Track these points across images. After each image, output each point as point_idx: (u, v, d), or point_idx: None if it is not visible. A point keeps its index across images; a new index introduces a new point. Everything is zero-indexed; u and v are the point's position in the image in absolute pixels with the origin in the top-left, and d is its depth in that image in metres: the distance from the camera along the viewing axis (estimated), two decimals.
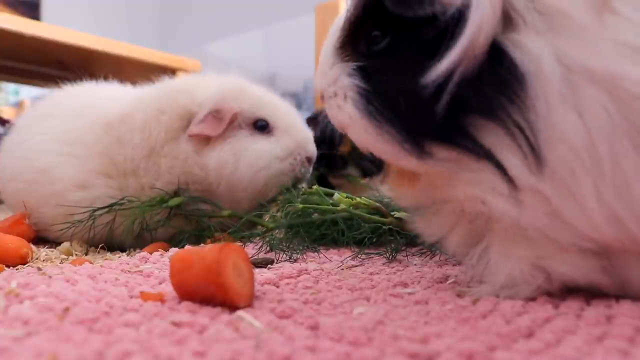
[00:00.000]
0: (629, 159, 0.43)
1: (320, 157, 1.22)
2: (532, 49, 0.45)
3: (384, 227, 0.87)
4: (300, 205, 0.90)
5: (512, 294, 0.55)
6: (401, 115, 0.50)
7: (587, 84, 0.44)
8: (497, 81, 0.46)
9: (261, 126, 1.07)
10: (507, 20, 0.47)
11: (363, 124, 0.53)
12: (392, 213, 0.84)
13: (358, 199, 0.84)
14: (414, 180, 0.58)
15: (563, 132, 0.44)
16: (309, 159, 1.12)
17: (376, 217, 0.85)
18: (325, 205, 0.88)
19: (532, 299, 0.56)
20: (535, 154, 0.45)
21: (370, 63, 0.55)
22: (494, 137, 0.48)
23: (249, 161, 1.03)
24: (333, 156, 1.34)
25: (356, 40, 0.58)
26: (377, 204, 0.84)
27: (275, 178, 1.06)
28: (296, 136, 1.10)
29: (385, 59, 0.54)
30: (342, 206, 0.84)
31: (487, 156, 0.48)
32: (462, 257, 0.60)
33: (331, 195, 1.04)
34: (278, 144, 1.07)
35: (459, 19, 0.46)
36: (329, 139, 1.35)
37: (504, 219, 0.50)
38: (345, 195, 0.88)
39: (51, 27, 1.94)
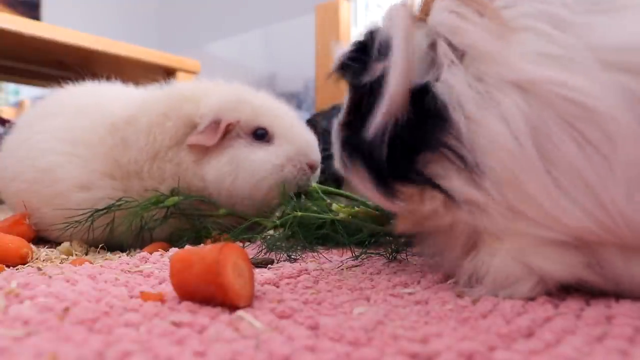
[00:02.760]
0: (556, 147, 0.48)
1: (324, 158, 1.21)
2: (448, 81, 0.53)
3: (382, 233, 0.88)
4: (299, 214, 0.90)
5: (509, 293, 0.56)
6: (368, 163, 0.58)
7: (503, 93, 0.50)
8: (427, 116, 0.54)
9: (260, 135, 1.05)
10: (433, 64, 0.56)
11: (349, 169, 0.63)
12: (392, 222, 0.84)
13: (357, 208, 0.85)
14: (407, 217, 0.64)
15: (493, 140, 0.50)
16: (311, 165, 1.08)
17: (375, 226, 0.85)
18: (324, 214, 0.88)
19: (532, 299, 0.56)
20: (473, 169, 0.52)
21: (351, 121, 0.63)
22: (438, 166, 0.55)
23: (248, 171, 1.01)
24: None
25: (349, 110, 0.66)
26: (376, 212, 0.84)
27: (277, 187, 1.03)
28: (296, 143, 1.07)
29: (356, 122, 0.61)
30: (342, 215, 0.84)
31: (432, 185, 0.55)
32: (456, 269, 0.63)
33: (331, 193, 1.04)
34: (277, 152, 1.04)
35: (382, 81, 0.55)
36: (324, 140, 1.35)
37: (468, 227, 0.56)
38: (343, 205, 0.88)
39: (51, 27, 1.94)
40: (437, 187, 0.55)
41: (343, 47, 0.65)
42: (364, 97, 0.59)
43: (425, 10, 0.59)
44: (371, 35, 0.59)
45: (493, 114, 0.50)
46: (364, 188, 0.62)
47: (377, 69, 0.56)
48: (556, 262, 0.52)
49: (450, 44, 0.54)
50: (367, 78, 0.58)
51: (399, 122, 0.54)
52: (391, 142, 0.55)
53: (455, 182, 0.54)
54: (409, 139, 0.55)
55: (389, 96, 0.53)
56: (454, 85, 0.52)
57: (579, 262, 0.52)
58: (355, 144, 0.60)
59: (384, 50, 0.56)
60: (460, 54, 0.54)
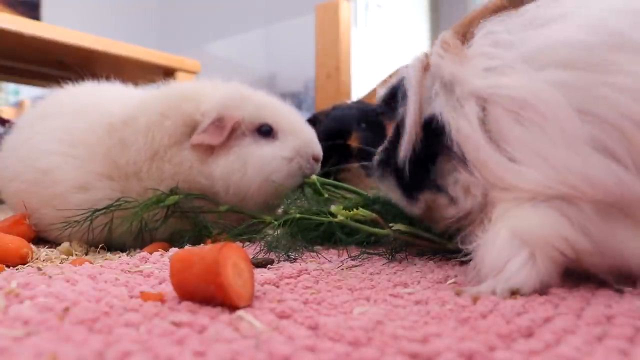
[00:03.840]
0: (506, 130, 0.61)
1: (325, 154, 1.23)
2: (438, 107, 0.70)
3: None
4: (298, 216, 0.90)
5: (506, 285, 0.57)
6: (397, 178, 0.77)
7: (466, 101, 0.66)
8: (435, 135, 0.70)
9: (265, 131, 1.07)
10: (429, 99, 0.72)
11: (386, 186, 0.81)
12: (390, 225, 0.84)
13: (355, 211, 0.85)
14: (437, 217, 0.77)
15: (463, 134, 0.66)
16: (315, 157, 1.13)
17: (374, 229, 0.85)
18: (323, 216, 0.89)
19: (532, 298, 0.56)
20: (461, 159, 0.66)
21: (390, 145, 0.80)
22: (445, 168, 0.70)
23: (257, 167, 1.03)
24: (338, 153, 1.36)
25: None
26: (375, 216, 0.85)
27: (285, 180, 1.06)
28: (301, 136, 1.11)
29: (390, 149, 0.79)
30: (340, 217, 0.85)
31: (437, 188, 0.72)
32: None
33: (331, 185, 1.04)
34: (284, 146, 1.07)
35: (402, 120, 0.73)
36: (337, 132, 1.36)
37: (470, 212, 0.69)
38: (342, 207, 0.88)
39: (51, 27, 1.94)
40: (441, 189, 0.71)
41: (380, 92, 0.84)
42: (395, 131, 0.78)
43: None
44: (397, 85, 0.79)
45: (461, 116, 0.67)
46: (393, 195, 0.80)
47: (401, 112, 0.75)
48: (541, 225, 0.58)
49: (439, 77, 0.71)
50: (397, 118, 0.77)
51: (415, 147, 0.71)
52: (412, 161, 0.72)
53: (456, 175, 0.69)
54: (424, 155, 0.71)
55: (408, 130, 0.71)
56: (442, 108, 0.69)
57: (563, 221, 0.57)
58: (388, 163, 0.78)
59: (404, 97, 0.74)
60: (444, 83, 0.70)
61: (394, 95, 0.79)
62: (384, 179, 0.80)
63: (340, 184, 1.10)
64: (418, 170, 0.73)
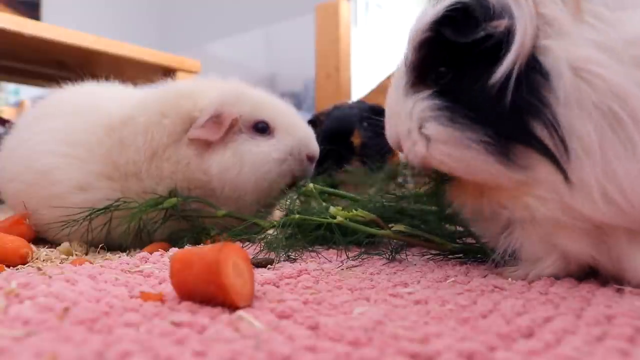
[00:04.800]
0: (607, 138, 0.55)
1: (327, 154, 1.22)
2: (550, 52, 0.58)
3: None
4: (297, 217, 0.90)
5: (538, 272, 0.65)
6: (481, 117, 0.60)
7: (578, 74, 0.56)
8: (534, 82, 0.58)
9: (262, 128, 1.08)
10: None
11: (447, 137, 0.62)
12: (390, 225, 0.84)
13: (354, 211, 0.85)
14: (476, 195, 0.68)
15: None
16: (310, 157, 1.13)
17: (373, 230, 0.85)
18: (322, 218, 0.89)
19: (532, 298, 0.56)
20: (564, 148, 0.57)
21: (442, 88, 0.65)
22: (547, 137, 0.58)
23: (253, 164, 1.04)
24: (339, 151, 1.35)
25: (424, 80, 0.68)
26: (374, 216, 0.84)
27: (280, 178, 1.07)
28: (296, 134, 1.11)
29: (454, 84, 0.65)
30: (339, 218, 0.85)
31: (548, 154, 0.58)
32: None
33: (328, 193, 1.04)
34: (279, 144, 1.08)
35: (509, 32, 0.60)
36: (339, 131, 1.36)
37: (540, 217, 0.62)
38: (341, 207, 0.88)
39: (51, 27, 1.94)
40: (552, 157, 0.58)
41: (433, 9, 0.67)
42: (482, 48, 0.61)
43: None
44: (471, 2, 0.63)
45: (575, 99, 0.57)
46: (467, 151, 0.61)
47: (498, 24, 0.60)
48: (574, 242, 0.62)
49: (550, 22, 0.60)
50: (478, 34, 0.61)
51: (519, 75, 0.58)
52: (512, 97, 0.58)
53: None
54: (523, 101, 0.58)
55: (519, 44, 0.58)
56: (556, 58, 0.58)
57: (591, 243, 0.61)
58: (459, 99, 0.62)
59: (501, 11, 0.61)
60: (549, 26, 0.60)
61: (467, 10, 0.63)
62: (451, 122, 0.62)
63: (335, 191, 1.07)
64: (520, 112, 0.59)
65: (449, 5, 0.64)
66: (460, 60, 0.64)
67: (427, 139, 0.64)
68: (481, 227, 0.73)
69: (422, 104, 0.65)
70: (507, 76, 0.58)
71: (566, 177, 0.57)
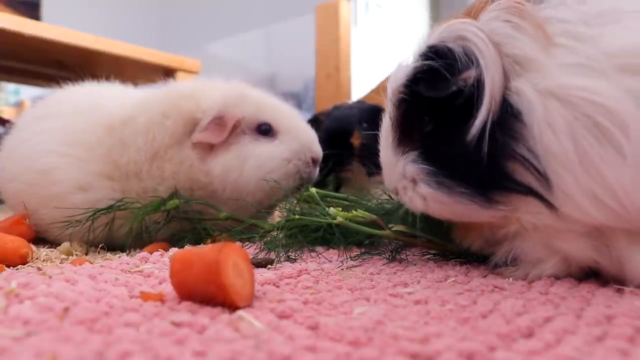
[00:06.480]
0: (593, 147, 0.56)
1: (328, 155, 1.22)
2: (519, 91, 0.60)
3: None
4: (297, 217, 0.90)
5: (538, 272, 0.67)
6: (463, 174, 0.64)
7: (550, 100, 0.58)
8: (507, 124, 0.60)
9: (265, 130, 1.08)
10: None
11: (437, 196, 0.67)
12: (390, 226, 0.84)
13: (355, 212, 0.85)
14: (478, 233, 0.72)
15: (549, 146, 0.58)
16: (314, 160, 1.12)
17: (373, 230, 0.85)
18: (322, 218, 0.89)
19: (532, 298, 0.56)
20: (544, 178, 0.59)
21: (425, 144, 0.69)
22: (527, 174, 0.60)
23: (255, 166, 1.03)
24: (340, 153, 1.35)
25: (409, 133, 0.72)
26: (374, 217, 0.84)
27: (282, 181, 1.06)
28: (300, 137, 1.10)
29: (436, 138, 0.68)
30: (339, 219, 0.85)
31: (529, 192, 0.61)
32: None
33: (329, 197, 1.03)
34: (282, 147, 1.07)
35: (478, 82, 0.61)
36: (339, 132, 1.36)
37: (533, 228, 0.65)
38: (341, 209, 0.88)
39: (51, 27, 1.94)
40: (534, 193, 0.61)
41: (403, 67, 0.70)
42: (456, 103, 0.64)
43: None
44: (439, 50, 0.65)
45: (545, 121, 0.59)
46: (455, 203, 0.65)
47: (467, 76, 0.62)
48: (574, 245, 0.63)
49: (510, 54, 0.62)
50: (451, 89, 0.63)
51: (493, 123, 0.60)
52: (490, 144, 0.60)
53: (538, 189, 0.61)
54: (499, 145, 0.60)
55: (489, 96, 0.60)
56: (525, 94, 0.60)
57: (591, 246, 0.62)
58: (438, 153, 0.67)
59: (467, 61, 0.62)
60: (518, 62, 0.62)
61: (441, 61, 0.64)
62: (438, 184, 0.66)
63: (336, 194, 1.07)
64: (497, 159, 0.61)
65: (417, 67, 0.67)
66: (439, 110, 0.67)
67: (423, 197, 0.69)
68: (484, 247, 0.75)
69: (411, 167, 0.70)
70: (483, 128, 0.60)
71: (550, 206, 0.60)
